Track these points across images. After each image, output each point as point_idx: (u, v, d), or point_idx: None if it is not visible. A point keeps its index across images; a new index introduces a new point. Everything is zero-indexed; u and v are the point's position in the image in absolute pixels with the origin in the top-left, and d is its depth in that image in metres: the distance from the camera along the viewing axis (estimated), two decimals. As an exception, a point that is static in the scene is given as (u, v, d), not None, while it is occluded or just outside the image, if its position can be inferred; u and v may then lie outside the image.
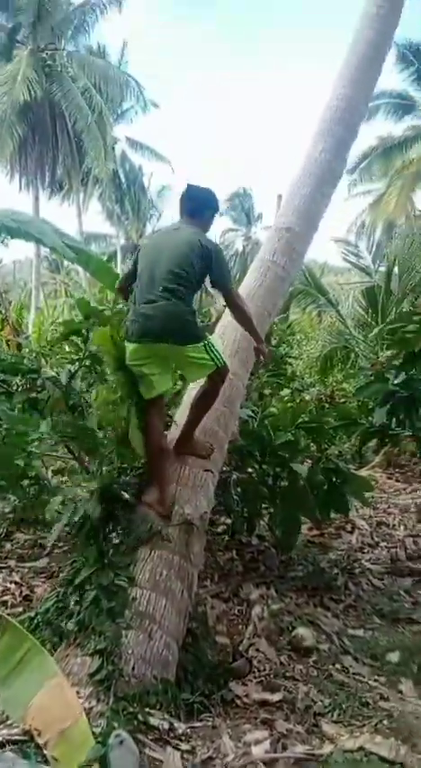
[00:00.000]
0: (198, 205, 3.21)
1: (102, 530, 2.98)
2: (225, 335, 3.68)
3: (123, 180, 29.96)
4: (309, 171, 4.27)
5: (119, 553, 2.78)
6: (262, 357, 3.61)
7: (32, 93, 20.47)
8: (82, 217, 26.49)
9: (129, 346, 3.00)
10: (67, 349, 5.61)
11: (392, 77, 22.82)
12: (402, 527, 5.64)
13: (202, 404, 3.21)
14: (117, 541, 2.96)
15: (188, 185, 3.24)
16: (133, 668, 2.38)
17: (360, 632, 3.56)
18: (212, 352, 3.01)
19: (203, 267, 2.98)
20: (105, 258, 29.99)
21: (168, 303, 2.87)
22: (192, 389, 3.44)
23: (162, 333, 2.89)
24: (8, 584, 3.83)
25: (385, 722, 2.53)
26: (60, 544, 4.61)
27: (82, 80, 22.52)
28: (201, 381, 3.24)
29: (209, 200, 3.25)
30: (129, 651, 2.42)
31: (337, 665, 3.14)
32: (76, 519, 2.86)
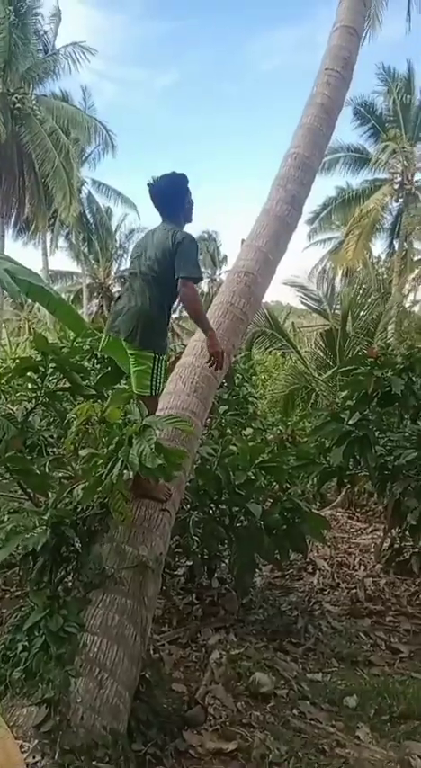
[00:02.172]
0: (165, 200, 3.17)
1: (53, 572, 2.90)
2: (184, 374, 3.71)
3: (91, 220, 30.33)
4: (265, 222, 4.48)
5: (70, 597, 2.70)
6: (214, 363, 3.32)
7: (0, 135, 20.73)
8: (48, 256, 26.62)
9: (106, 338, 3.21)
10: (28, 386, 5.55)
11: (351, 132, 24.04)
12: (362, 567, 5.65)
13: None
14: (69, 585, 2.88)
15: (149, 184, 3.16)
16: (81, 718, 2.28)
17: (318, 676, 3.51)
18: (155, 371, 3.03)
19: (173, 260, 2.97)
20: (71, 296, 30.00)
21: (140, 302, 2.98)
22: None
23: (128, 329, 3.01)
24: None
25: (341, 769, 2.49)
26: (12, 589, 4.45)
27: (49, 123, 22.96)
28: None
29: (174, 191, 3.18)
30: (78, 700, 2.32)
31: (295, 711, 3.07)
32: (23, 550, 2.76)
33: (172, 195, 3.18)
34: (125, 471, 2.69)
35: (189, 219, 3.28)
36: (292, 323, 17.84)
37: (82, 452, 3.29)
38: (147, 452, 2.49)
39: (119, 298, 3.23)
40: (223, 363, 3.41)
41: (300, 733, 2.85)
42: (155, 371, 3.07)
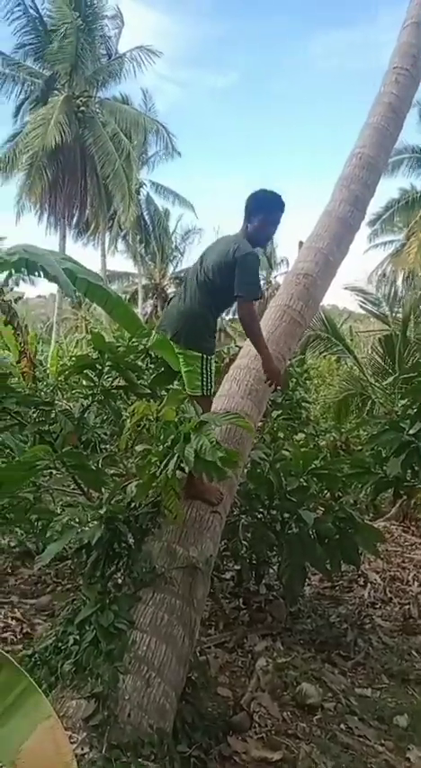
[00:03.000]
0: (248, 211, 3.18)
1: (104, 567, 2.93)
2: (239, 377, 3.69)
3: (148, 222, 30.76)
4: (327, 223, 4.40)
5: (121, 594, 2.72)
6: (272, 383, 3.37)
7: (63, 136, 21.33)
8: (106, 257, 27.19)
9: (157, 336, 3.32)
10: (84, 383, 5.67)
11: (416, 134, 23.38)
12: (416, 583, 5.46)
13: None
14: (119, 581, 2.91)
15: (251, 195, 3.19)
16: (129, 715, 2.29)
17: (367, 692, 3.41)
18: (204, 372, 3.07)
19: (230, 273, 2.98)
20: (127, 296, 30.56)
21: (188, 304, 3.04)
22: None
23: (177, 334, 3.10)
24: (9, 621, 3.76)
25: (391, 792, 2.40)
26: (64, 582, 4.55)
27: (111, 125, 23.46)
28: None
29: (258, 205, 3.16)
30: (126, 697, 2.34)
31: (342, 726, 3.00)
32: (77, 543, 2.81)
33: (254, 207, 3.18)
34: (179, 470, 2.69)
35: (259, 242, 3.22)
36: (350, 327, 17.49)
37: (138, 447, 3.35)
38: (207, 446, 2.49)
39: (172, 298, 3.31)
40: (281, 381, 3.44)
41: (347, 749, 2.77)
42: (204, 371, 3.10)
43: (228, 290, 3.00)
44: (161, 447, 2.83)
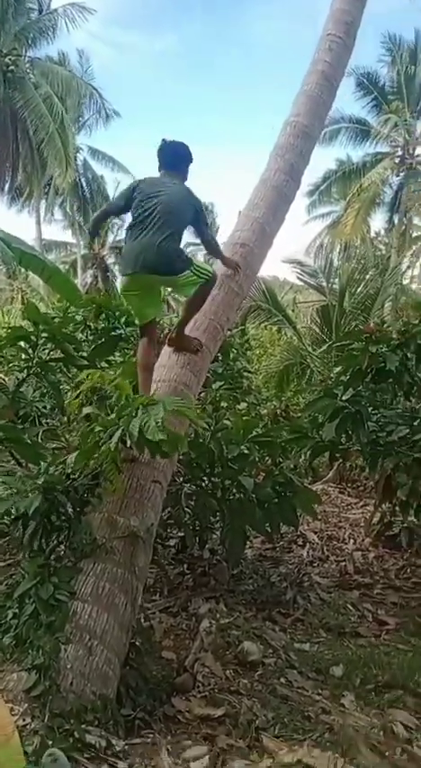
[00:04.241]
0: (176, 159, 3.61)
1: (44, 539, 2.91)
2: (170, 357, 3.70)
3: (85, 189, 29.74)
4: (263, 192, 4.39)
5: (61, 566, 2.71)
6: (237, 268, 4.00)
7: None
8: (42, 225, 26.19)
9: (124, 279, 3.43)
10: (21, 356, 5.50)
11: (353, 103, 23.44)
12: (351, 541, 5.72)
13: (193, 304, 3.59)
14: (60, 553, 2.90)
15: (163, 140, 3.60)
16: (71, 684, 2.31)
17: (306, 646, 3.58)
18: (200, 272, 3.44)
19: (191, 215, 3.48)
20: (67, 267, 29.50)
21: (162, 241, 3.26)
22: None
23: (155, 266, 3.29)
24: None
25: (326, 735, 2.55)
26: (5, 557, 4.48)
27: (44, 87, 22.32)
28: None
29: (186, 155, 3.64)
30: (68, 666, 2.36)
31: (282, 679, 3.14)
32: (14, 513, 2.77)
33: (182, 156, 3.63)
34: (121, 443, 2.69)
35: (185, 180, 3.65)
36: (294, 298, 17.70)
37: (86, 409, 3.33)
38: (152, 426, 2.52)
39: (134, 238, 3.40)
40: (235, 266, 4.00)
41: (286, 700, 2.91)
42: (200, 271, 3.44)
43: (186, 222, 3.48)
44: (110, 416, 2.83)
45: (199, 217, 3.56)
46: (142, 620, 3.50)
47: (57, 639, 2.38)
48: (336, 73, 4.91)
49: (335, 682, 3.15)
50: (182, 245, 3.51)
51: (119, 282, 3.58)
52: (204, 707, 2.78)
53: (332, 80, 4.85)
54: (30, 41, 23.01)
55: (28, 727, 2.11)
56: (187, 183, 3.63)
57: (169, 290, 3.98)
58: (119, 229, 31.76)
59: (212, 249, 3.86)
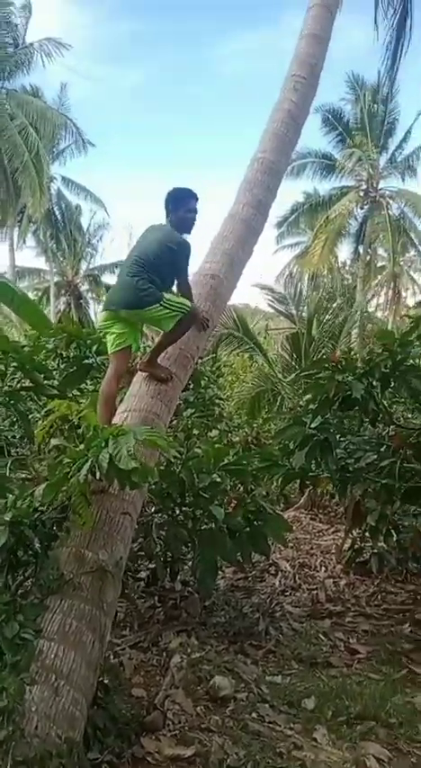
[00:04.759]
0: (168, 207, 3.77)
1: (9, 575, 2.83)
2: (141, 387, 3.71)
3: (59, 218, 29.83)
4: (231, 225, 4.50)
5: (27, 603, 2.64)
6: (203, 324, 4.02)
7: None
8: (15, 252, 26.07)
9: (102, 314, 3.71)
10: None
11: (320, 138, 24.20)
12: (323, 568, 5.73)
13: (171, 335, 3.70)
14: (26, 590, 2.83)
15: (168, 193, 3.80)
16: (36, 727, 2.23)
17: (278, 679, 3.54)
18: (172, 305, 3.57)
19: (169, 260, 3.61)
20: (40, 293, 29.22)
21: (129, 279, 3.52)
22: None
23: (126, 302, 3.57)
24: None
25: (297, 772, 2.50)
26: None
27: (20, 118, 22.49)
28: None
29: (169, 199, 3.78)
30: (33, 708, 2.27)
31: (254, 714, 3.09)
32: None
33: (173, 202, 3.76)
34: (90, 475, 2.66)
35: (184, 230, 3.76)
36: (267, 324, 17.92)
37: (53, 441, 3.28)
38: (123, 455, 2.51)
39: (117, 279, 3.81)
40: (200, 322, 4.00)
41: (258, 736, 2.86)
42: (172, 305, 3.57)
43: (161, 266, 3.59)
44: (78, 447, 2.80)
45: (174, 258, 3.64)
46: (111, 657, 3.43)
47: (22, 680, 2.30)
48: (301, 112, 5.10)
49: (307, 715, 3.12)
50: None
51: (99, 318, 3.85)
52: (174, 746, 2.71)
53: (297, 119, 5.03)
54: (6, 74, 23.24)
55: (-11, 775, 2.03)
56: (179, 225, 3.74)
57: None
58: (91, 258, 31.88)
59: (182, 292, 3.84)
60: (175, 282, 3.80)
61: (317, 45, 5.35)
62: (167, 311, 3.56)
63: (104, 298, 3.82)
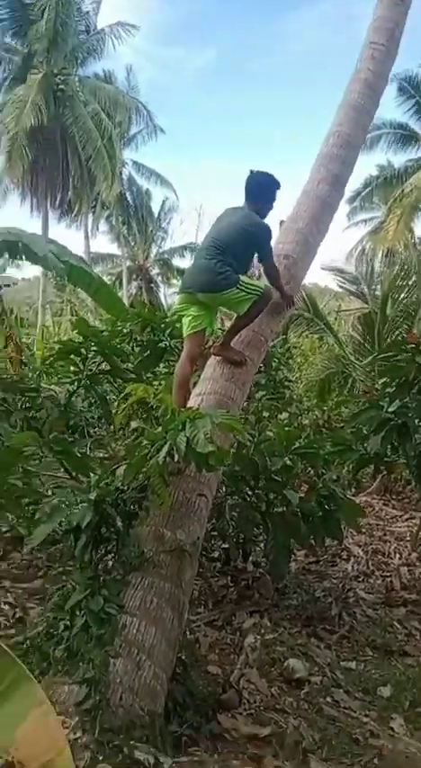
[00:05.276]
0: (253, 192, 3.79)
1: (93, 551, 2.96)
2: (215, 370, 3.72)
3: (131, 202, 30.29)
4: (306, 203, 4.38)
5: (110, 578, 2.76)
6: (288, 303, 4.08)
7: (40, 117, 20.82)
8: (90, 238, 26.78)
9: (178, 297, 3.74)
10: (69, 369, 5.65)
11: (395, 108, 23.08)
12: (397, 555, 5.59)
13: (246, 318, 3.70)
14: (109, 566, 2.95)
15: (250, 171, 3.82)
16: (120, 698, 2.34)
17: (352, 665, 3.51)
18: (248, 288, 3.58)
19: (247, 241, 3.62)
20: (113, 278, 30.03)
21: (207, 262, 3.55)
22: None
23: (202, 284, 3.60)
24: (2, 605, 3.79)
25: (375, 761, 2.49)
26: (55, 566, 4.58)
27: (92, 104, 22.92)
28: None
29: (262, 190, 3.81)
30: (117, 681, 2.39)
31: (328, 699, 3.09)
32: (66, 525, 2.83)
33: (252, 187, 3.80)
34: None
35: (263, 216, 3.80)
36: (339, 305, 17.51)
37: (133, 424, 3.39)
38: (200, 438, 2.55)
39: (193, 261, 3.83)
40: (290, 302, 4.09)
41: (333, 721, 2.86)
42: (248, 288, 3.58)
43: (239, 250, 3.60)
44: (157, 429, 2.88)
45: (257, 242, 3.67)
46: (188, 634, 3.52)
47: (106, 653, 2.42)
48: (379, 81, 4.87)
49: (383, 703, 3.09)
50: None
51: (176, 300, 3.93)
52: (250, 725, 2.76)
53: (375, 88, 4.81)
54: (79, 61, 23.70)
55: (79, 741, 2.15)
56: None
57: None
58: (161, 241, 32.20)
59: (269, 276, 3.89)
60: (261, 266, 3.87)
61: (396, 7, 5.06)
62: (243, 294, 3.57)
63: (179, 281, 3.82)
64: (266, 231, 3.75)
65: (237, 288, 3.54)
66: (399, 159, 23.65)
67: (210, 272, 3.55)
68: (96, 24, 23.95)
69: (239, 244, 3.61)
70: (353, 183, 23.80)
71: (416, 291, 9.58)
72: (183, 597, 2.87)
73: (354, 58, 5.04)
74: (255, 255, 3.80)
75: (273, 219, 4.10)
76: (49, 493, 4.41)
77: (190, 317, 3.71)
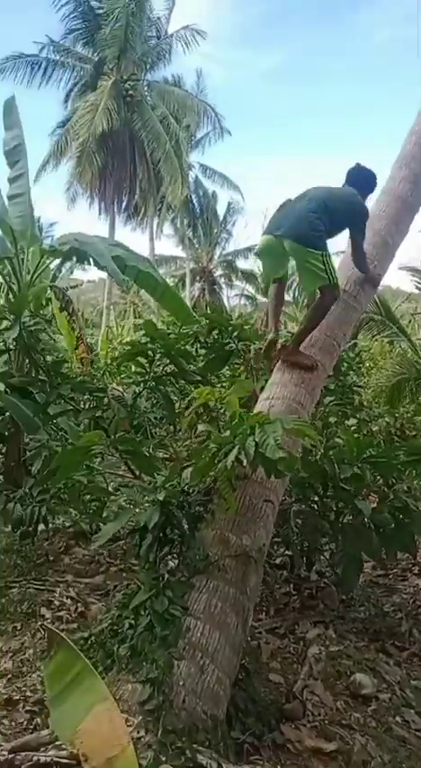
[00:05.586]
0: (357, 182, 3.84)
1: (159, 551, 2.96)
2: (284, 374, 3.64)
3: (196, 205, 30.63)
4: (385, 202, 4.22)
5: (175, 580, 2.75)
6: (373, 280, 4.06)
7: (111, 122, 21.40)
8: (154, 241, 27.29)
9: (263, 238, 3.66)
10: (133, 369, 5.73)
11: None
12: None
13: (312, 317, 3.63)
14: (173, 567, 2.94)
15: (356, 164, 3.91)
16: (183, 701, 2.32)
17: (423, 684, 3.34)
18: (329, 265, 3.45)
19: (347, 213, 3.62)
20: (176, 279, 30.53)
21: (307, 213, 3.43)
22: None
23: (295, 231, 3.43)
24: (64, 600, 3.88)
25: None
26: (116, 562, 4.65)
27: (161, 108, 23.36)
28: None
29: (368, 184, 3.91)
30: (181, 683, 2.37)
31: (398, 718, 2.94)
32: (132, 524, 2.84)
33: (367, 183, 3.90)
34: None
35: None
36: (416, 307, 16.92)
37: (201, 427, 3.38)
38: (271, 444, 2.50)
39: (283, 209, 3.67)
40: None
41: (403, 743, 2.73)
42: (329, 266, 3.47)
43: (337, 219, 3.56)
44: (224, 433, 2.85)
45: (355, 219, 3.66)
46: (250, 640, 3.47)
47: (170, 654, 2.41)
48: None
49: (457, 729, 2.91)
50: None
51: (259, 241, 3.82)
52: (315, 738, 2.67)
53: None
54: (148, 66, 24.23)
55: (142, 740, 2.14)
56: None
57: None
58: (225, 243, 32.35)
59: (357, 257, 3.85)
60: (351, 246, 3.82)
61: None
62: (321, 267, 3.43)
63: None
64: (367, 212, 3.77)
65: (322, 256, 3.43)
66: None
67: (307, 223, 3.42)
68: (167, 30, 24.41)
69: (341, 213, 3.57)
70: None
71: None
72: (248, 603, 2.82)
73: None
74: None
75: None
76: (112, 491, 4.51)
77: (274, 264, 3.76)
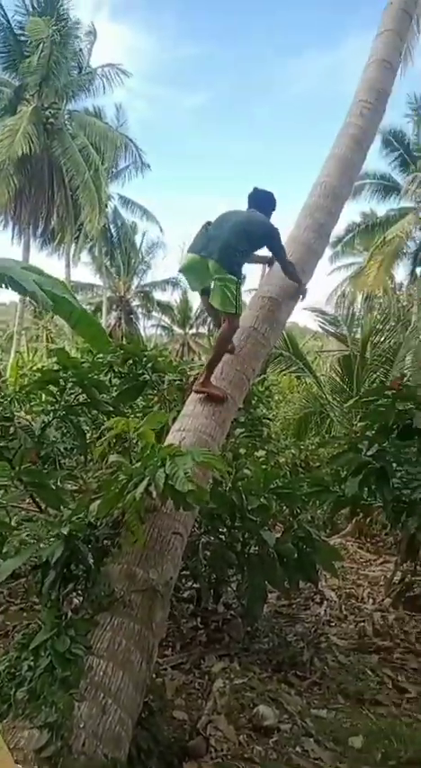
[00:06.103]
0: (259, 204, 4.08)
1: (62, 588, 2.87)
2: (202, 396, 3.71)
3: (115, 235, 30.66)
4: (292, 248, 4.49)
5: (78, 618, 2.67)
6: (302, 294, 4.43)
7: (31, 147, 21.13)
8: (71, 267, 26.93)
9: (189, 256, 3.89)
10: (43, 397, 5.57)
11: (379, 160, 24.13)
12: (371, 600, 5.54)
13: (218, 346, 3.87)
14: (76, 604, 2.86)
15: (254, 188, 4.15)
16: (83, 744, 2.24)
17: (323, 713, 3.42)
18: (237, 294, 3.71)
19: (261, 232, 3.91)
20: (92, 307, 30.14)
21: (230, 239, 3.68)
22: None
23: (215, 254, 3.68)
24: (-42, 642, 3.64)
25: None
26: (17, 601, 4.44)
27: (81, 138, 23.37)
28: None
29: (263, 199, 4.12)
30: (81, 725, 2.29)
31: (298, 748, 3.00)
32: (34, 561, 2.74)
33: (262, 200, 4.11)
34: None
35: None
36: (321, 345, 17.78)
37: (112, 458, 3.33)
38: (180, 476, 2.53)
39: (206, 231, 3.90)
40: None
41: (302, 773, 2.77)
42: (237, 294, 3.72)
43: (252, 243, 3.88)
44: (135, 464, 2.83)
45: (271, 241, 3.96)
46: (154, 677, 3.41)
47: (71, 696, 2.32)
48: (367, 136, 5.10)
49: (354, 755, 3.00)
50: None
51: (182, 258, 4.17)
52: (217, 775, 2.66)
53: (362, 143, 5.02)
54: (70, 96, 24.25)
55: (37, 790, 2.04)
56: None
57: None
58: (143, 274, 32.54)
59: (286, 270, 4.16)
60: (276, 258, 4.13)
61: (386, 71, 5.34)
62: (233, 291, 3.69)
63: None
64: (277, 231, 4.01)
65: (236, 282, 3.70)
66: (381, 208, 24.64)
67: (231, 249, 3.69)
68: (89, 62, 24.64)
69: (258, 236, 3.87)
70: (337, 228, 24.53)
71: (394, 336, 9.79)
72: (153, 639, 2.79)
73: (344, 110, 5.27)
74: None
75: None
76: (15, 524, 4.31)
77: (195, 281, 3.99)
